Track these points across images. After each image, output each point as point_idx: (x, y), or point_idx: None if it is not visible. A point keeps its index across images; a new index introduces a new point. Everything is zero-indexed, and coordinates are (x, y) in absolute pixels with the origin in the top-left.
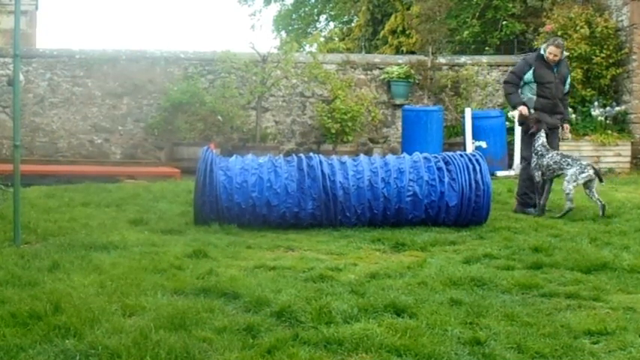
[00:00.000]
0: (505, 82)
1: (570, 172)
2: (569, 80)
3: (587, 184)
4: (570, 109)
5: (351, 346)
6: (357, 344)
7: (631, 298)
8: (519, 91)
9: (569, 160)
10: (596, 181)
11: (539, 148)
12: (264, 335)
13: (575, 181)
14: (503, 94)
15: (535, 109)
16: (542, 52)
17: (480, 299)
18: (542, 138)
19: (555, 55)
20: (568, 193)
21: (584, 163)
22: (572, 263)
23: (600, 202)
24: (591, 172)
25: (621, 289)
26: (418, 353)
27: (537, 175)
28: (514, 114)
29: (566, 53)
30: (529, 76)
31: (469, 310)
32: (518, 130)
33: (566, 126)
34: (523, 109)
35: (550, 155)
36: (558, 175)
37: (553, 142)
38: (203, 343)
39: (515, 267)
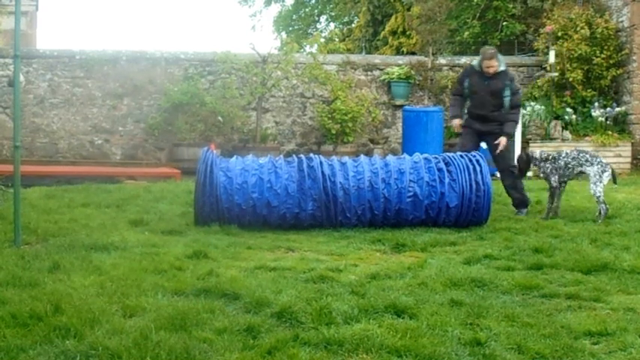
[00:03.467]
0: (452, 94)
1: (593, 171)
2: (506, 94)
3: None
4: (570, 110)
5: (352, 346)
6: (357, 345)
7: (631, 298)
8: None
9: (587, 156)
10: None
11: (544, 156)
12: (264, 336)
13: (601, 182)
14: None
15: (468, 112)
16: (475, 62)
17: (481, 300)
18: (536, 150)
19: (488, 67)
20: (599, 197)
21: (603, 160)
22: (573, 264)
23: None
24: (610, 170)
25: (622, 289)
26: (419, 354)
27: (554, 180)
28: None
29: (503, 68)
30: (466, 84)
31: (469, 310)
32: (518, 131)
33: (502, 138)
34: (455, 123)
35: (565, 154)
36: (577, 174)
37: (497, 158)
38: (203, 344)
39: (515, 268)
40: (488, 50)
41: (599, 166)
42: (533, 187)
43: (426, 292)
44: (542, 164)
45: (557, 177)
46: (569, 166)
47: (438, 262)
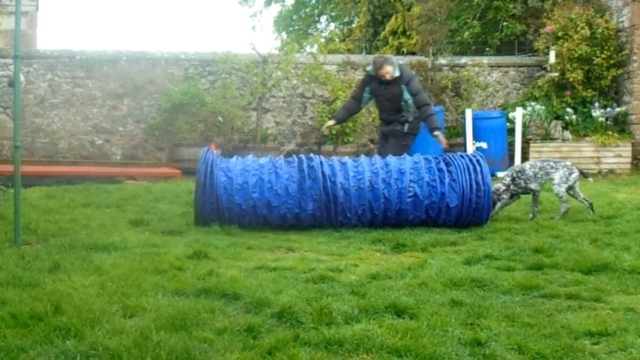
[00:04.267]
0: (350, 96)
1: (558, 175)
2: (405, 97)
3: (571, 186)
4: (571, 110)
5: (352, 346)
6: (357, 345)
7: (631, 299)
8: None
9: (551, 163)
10: (577, 182)
11: (507, 182)
12: (264, 336)
13: (565, 183)
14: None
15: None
16: (370, 69)
17: (481, 300)
18: (507, 178)
19: (383, 75)
20: (562, 196)
21: (568, 163)
22: (573, 264)
23: (587, 201)
24: (577, 172)
25: (622, 290)
26: (419, 354)
27: (535, 185)
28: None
29: (398, 73)
30: (367, 89)
31: (470, 310)
32: (518, 131)
33: (437, 133)
34: (328, 123)
35: (530, 165)
36: (546, 182)
37: (387, 149)
38: (204, 344)
39: (515, 268)
40: (378, 59)
41: (564, 169)
42: None
43: (427, 292)
44: (511, 187)
45: (535, 183)
46: (538, 175)
47: (439, 263)
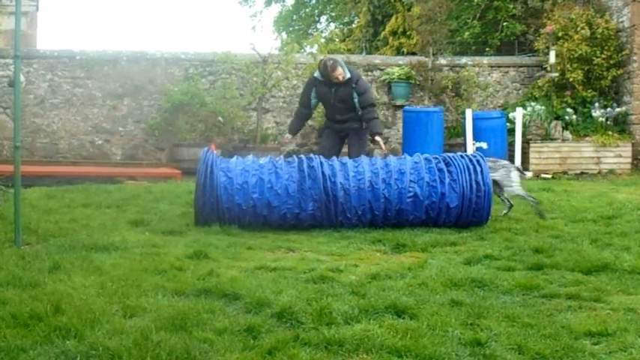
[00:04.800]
0: (299, 104)
1: (500, 175)
2: (355, 98)
3: (498, 184)
4: (571, 110)
5: (352, 347)
6: (357, 345)
7: (632, 299)
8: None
9: (490, 163)
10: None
11: None
12: (264, 336)
13: (512, 181)
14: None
15: (326, 117)
16: (317, 74)
17: (481, 300)
18: None
19: (337, 77)
20: (522, 194)
21: (506, 162)
22: (573, 264)
23: (509, 201)
24: (515, 170)
25: (622, 290)
26: (419, 354)
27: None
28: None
29: (349, 75)
30: (313, 94)
31: (470, 311)
32: (518, 131)
33: (377, 139)
34: (286, 137)
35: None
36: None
37: (350, 147)
38: (204, 344)
39: (515, 268)
40: (329, 62)
41: (503, 169)
42: (533, 187)
43: (427, 292)
44: None
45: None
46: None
47: (439, 263)
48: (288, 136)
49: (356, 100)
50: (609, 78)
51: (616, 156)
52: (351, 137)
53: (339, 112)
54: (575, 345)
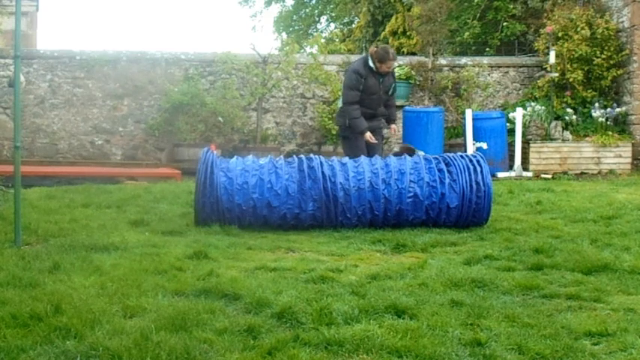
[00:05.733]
0: (349, 103)
1: None
2: (394, 86)
3: None
4: (571, 110)
5: (352, 347)
6: (357, 345)
7: (632, 299)
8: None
9: None
10: None
11: None
12: (264, 336)
13: None
14: (349, 118)
15: None
16: (370, 62)
17: (481, 300)
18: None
19: (390, 66)
20: None
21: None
22: (573, 264)
23: None
24: None
25: (622, 290)
26: (419, 354)
27: None
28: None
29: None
30: (362, 88)
31: (470, 311)
32: (518, 131)
33: (393, 126)
34: (369, 136)
35: None
36: None
37: (375, 149)
38: (204, 344)
39: (515, 268)
40: (389, 49)
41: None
42: (533, 187)
43: (427, 292)
44: None
45: None
46: None
47: (439, 263)
48: (370, 135)
49: (391, 89)
50: (609, 78)
51: (616, 156)
52: (377, 138)
53: (374, 106)
54: (575, 345)
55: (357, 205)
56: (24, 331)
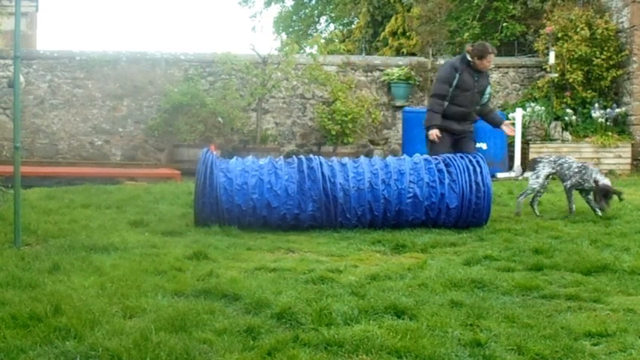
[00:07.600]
0: (436, 96)
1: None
2: (489, 90)
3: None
4: (570, 111)
5: (352, 347)
6: (357, 346)
7: (631, 299)
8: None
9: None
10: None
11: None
12: (264, 337)
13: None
14: (428, 108)
15: (444, 116)
16: (468, 57)
17: (481, 301)
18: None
19: (489, 63)
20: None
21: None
22: (573, 265)
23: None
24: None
25: (622, 290)
26: (419, 355)
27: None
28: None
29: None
30: (454, 83)
31: (469, 311)
32: (518, 132)
33: (510, 127)
34: (435, 132)
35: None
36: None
37: (467, 148)
38: (203, 345)
39: (515, 269)
40: (487, 43)
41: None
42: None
43: (426, 293)
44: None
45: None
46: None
47: (438, 263)
48: (437, 131)
49: (487, 94)
50: (609, 79)
51: (616, 157)
52: (467, 143)
53: (468, 106)
54: (575, 346)
55: (356, 205)
56: (24, 331)
